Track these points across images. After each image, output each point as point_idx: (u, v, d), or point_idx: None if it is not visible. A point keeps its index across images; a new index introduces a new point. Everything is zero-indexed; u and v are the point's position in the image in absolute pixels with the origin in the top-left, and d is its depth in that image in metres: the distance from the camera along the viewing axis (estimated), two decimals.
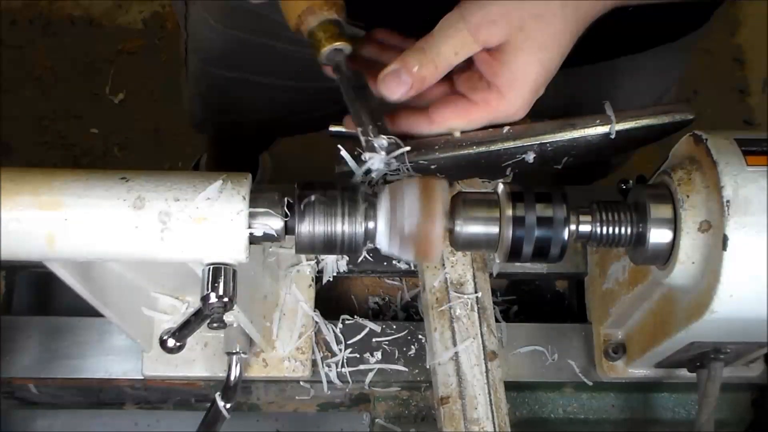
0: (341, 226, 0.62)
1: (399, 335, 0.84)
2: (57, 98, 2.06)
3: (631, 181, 0.72)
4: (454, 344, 0.78)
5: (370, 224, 0.63)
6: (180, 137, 2.04)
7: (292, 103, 1.21)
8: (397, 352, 0.84)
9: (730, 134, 0.65)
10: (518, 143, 0.72)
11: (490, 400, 0.76)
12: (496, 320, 0.86)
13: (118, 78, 2.09)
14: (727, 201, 0.62)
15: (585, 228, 0.68)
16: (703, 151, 0.65)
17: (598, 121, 0.72)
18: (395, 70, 0.70)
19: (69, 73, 2.09)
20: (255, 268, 0.76)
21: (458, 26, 0.69)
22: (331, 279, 0.85)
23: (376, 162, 0.72)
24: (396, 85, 0.70)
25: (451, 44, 0.69)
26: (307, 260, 0.84)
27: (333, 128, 0.79)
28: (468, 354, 0.77)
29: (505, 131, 0.73)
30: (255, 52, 1.12)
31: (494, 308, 0.89)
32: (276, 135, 1.56)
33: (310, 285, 0.84)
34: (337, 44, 0.72)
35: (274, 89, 1.17)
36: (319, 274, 0.86)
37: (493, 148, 0.73)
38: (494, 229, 0.67)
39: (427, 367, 0.81)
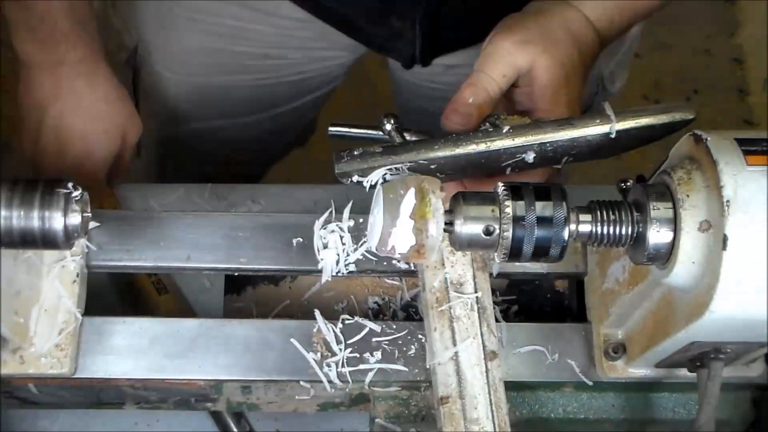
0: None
1: (399, 335, 0.84)
2: None
3: (631, 181, 0.72)
4: (454, 344, 0.78)
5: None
6: None
7: (263, 134, 1.23)
8: (397, 351, 0.84)
9: (730, 134, 0.65)
10: (518, 143, 0.72)
11: (490, 400, 0.76)
12: (496, 320, 0.86)
13: None
14: (727, 201, 0.62)
15: (585, 228, 0.68)
16: (703, 151, 0.65)
17: (597, 121, 0.72)
18: (453, 108, 0.76)
19: None
20: (6, 263, 0.75)
21: (499, 53, 0.77)
22: (329, 278, 0.85)
23: (376, 175, 0.73)
24: (459, 118, 0.76)
25: (497, 70, 0.76)
26: (72, 256, 0.83)
27: (333, 129, 0.78)
28: (468, 354, 0.77)
29: (504, 131, 0.73)
30: (216, 95, 1.13)
31: (494, 308, 0.89)
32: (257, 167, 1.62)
33: (75, 281, 0.83)
34: None
35: (233, 129, 1.19)
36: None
37: (493, 147, 0.73)
38: (494, 229, 0.67)
39: (427, 366, 0.81)
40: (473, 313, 0.79)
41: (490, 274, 0.87)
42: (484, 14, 0.88)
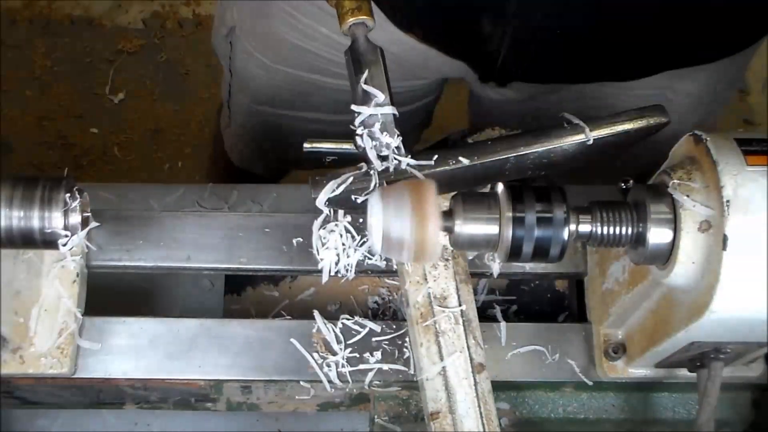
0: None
1: (399, 334, 0.84)
2: (57, 98, 2.06)
3: (631, 181, 0.72)
4: (441, 359, 0.77)
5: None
6: (180, 137, 2.04)
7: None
8: (397, 351, 0.84)
9: (730, 134, 0.65)
10: (497, 156, 0.72)
11: (481, 413, 0.75)
12: (496, 320, 0.86)
13: (118, 78, 2.09)
14: (727, 201, 0.62)
15: (585, 228, 0.68)
16: (703, 151, 0.65)
17: (574, 131, 0.72)
18: None
19: (69, 73, 2.08)
20: (6, 263, 0.75)
21: None
22: (329, 279, 0.85)
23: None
24: None
25: None
26: (72, 256, 0.83)
27: (308, 145, 0.78)
28: (455, 368, 0.77)
29: (483, 145, 0.73)
30: (302, 88, 1.13)
31: (495, 308, 0.89)
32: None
33: (75, 281, 0.82)
34: (362, 17, 0.71)
35: (320, 123, 1.18)
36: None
37: (471, 163, 0.72)
38: (494, 229, 0.67)
39: (415, 380, 0.81)
40: (459, 327, 0.78)
41: (490, 275, 0.87)
42: (571, 52, 0.86)
